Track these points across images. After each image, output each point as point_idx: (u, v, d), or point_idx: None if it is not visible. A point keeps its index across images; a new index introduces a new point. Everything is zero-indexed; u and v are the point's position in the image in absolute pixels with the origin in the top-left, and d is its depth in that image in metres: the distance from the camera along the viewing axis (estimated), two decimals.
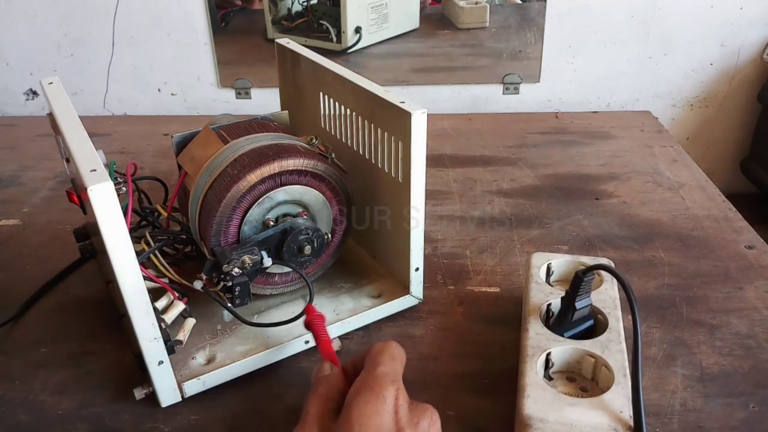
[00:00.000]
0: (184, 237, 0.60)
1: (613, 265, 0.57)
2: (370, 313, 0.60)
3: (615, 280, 0.58)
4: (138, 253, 0.45)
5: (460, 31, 1.16)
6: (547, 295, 0.56)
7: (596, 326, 0.55)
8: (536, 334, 0.52)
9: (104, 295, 0.65)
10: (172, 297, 0.54)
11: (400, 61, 1.19)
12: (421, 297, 0.63)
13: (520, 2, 1.14)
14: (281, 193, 0.55)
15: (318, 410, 0.42)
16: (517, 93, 1.22)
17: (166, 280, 0.55)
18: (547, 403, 0.45)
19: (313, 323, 0.53)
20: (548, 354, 0.50)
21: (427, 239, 0.74)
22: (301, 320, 0.55)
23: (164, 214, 0.61)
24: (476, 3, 1.14)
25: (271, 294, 0.60)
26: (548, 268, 0.61)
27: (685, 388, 0.54)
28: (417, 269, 0.61)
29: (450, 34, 1.17)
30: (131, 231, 0.44)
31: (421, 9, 1.15)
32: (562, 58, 1.19)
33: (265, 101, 1.21)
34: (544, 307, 0.55)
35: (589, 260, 0.59)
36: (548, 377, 0.51)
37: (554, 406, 0.45)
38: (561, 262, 0.61)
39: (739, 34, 1.17)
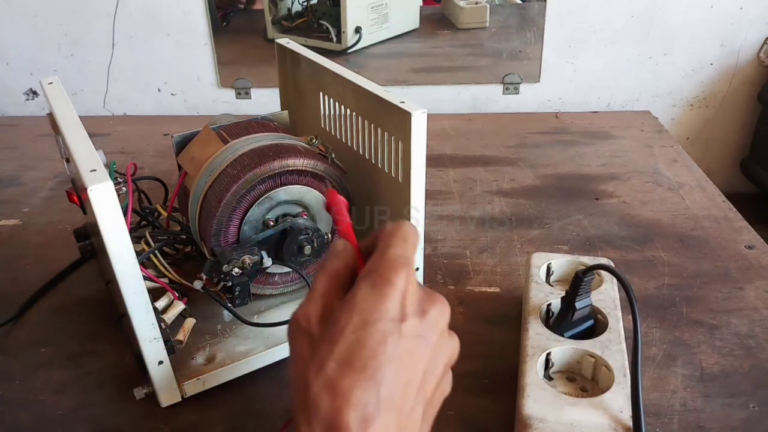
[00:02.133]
0: (184, 237, 0.60)
1: (613, 265, 0.57)
2: None
3: (615, 280, 0.58)
4: (138, 253, 0.45)
5: (460, 31, 1.16)
6: (547, 295, 0.56)
7: (596, 326, 0.55)
8: (536, 334, 0.52)
9: (104, 295, 0.65)
10: (172, 297, 0.54)
11: (400, 61, 1.19)
12: None
13: (520, 2, 1.14)
14: (281, 193, 0.55)
15: (324, 286, 0.39)
16: (517, 93, 1.22)
17: (166, 280, 0.55)
18: (547, 403, 0.45)
19: (334, 207, 0.48)
20: (548, 354, 0.50)
21: (427, 239, 0.74)
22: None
23: (164, 214, 0.61)
24: (476, 3, 1.14)
25: (271, 294, 0.60)
26: (548, 268, 0.61)
27: (685, 388, 0.54)
28: (417, 269, 0.61)
29: (450, 34, 1.16)
30: (131, 231, 0.44)
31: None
32: (562, 58, 1.19)
33: (265, 101, 1.21)
34: (544, 307, 0.55)
35: (589, 260, 0.59)
36: (548, 377, 0.51)
37: (554, 406, 0.45)
38: (561, 262, 0.61)
39: (739, 34, 1.17)
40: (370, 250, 0.41)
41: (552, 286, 0.58)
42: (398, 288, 0.36)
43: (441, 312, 0.38)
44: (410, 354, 0.35)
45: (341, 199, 0.48)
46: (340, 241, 0.44)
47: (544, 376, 0.50)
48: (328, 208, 0.48)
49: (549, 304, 0.55)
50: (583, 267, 0.54)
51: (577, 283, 0.52)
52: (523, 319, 0.55)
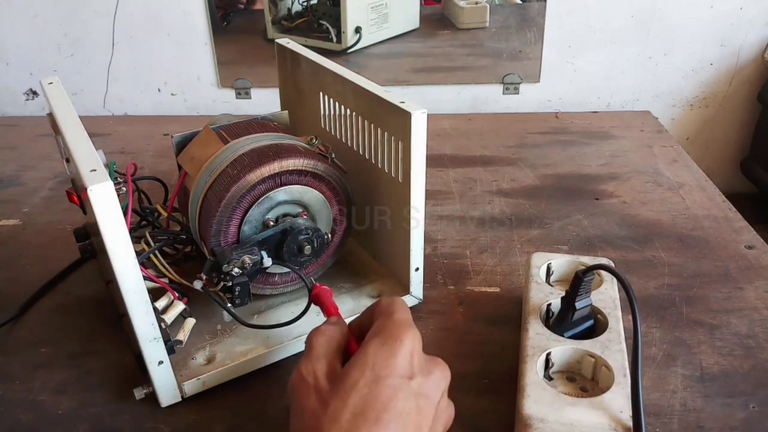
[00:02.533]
0: (184, 237, 0.60)
1: (613, 265, 0.57)
2: None
3: (615, 280, 0.58)
4: (138, 253, 0.45)
5: (460, 31, 1.16)
6: (547, 295, 0.56)
7: (596, 326, 0.55)
8: (536, 334, 0.52)
9: (104, 295, 0.65)
10: (172, 297, 0.54)
11: (400, 61, 1.19)
12: (421, 297, 0.63)
13: (520, 2, 1.14)
14: (281, 193, 0.55)
15: (324, 347, 0.41)
16: (517, 93, 1.22)
17: (166, 280, 0.55)
18: (547, 403, 0.45)
19: (320, 296, 0.53)
20: (548, 354, 0.50)
21: (427, 239, 0.74)
22: (300, 321, 0.55)
23: (164, 214, 0.61)
24: (476, 3, 1.14)
25: (271, 294, 0.60)
26: (548, 268, 0.61)
27: (685, 388, 0.54)
28: (417, 269, 0.61)
29: (450, 34, 1.16)
30: (131, 231, 0.44)
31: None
32: (562, 58, 1.19)
33: (265, 101, 1.21)
34: (544, 307, 0.55)
35: (589, 260, 0.59)
36: (548, 377, 0.51)
37: (554, 406, 0.45)
38: (561, 262, 0.61)
39: (739, 34, 1.17)
40: (362, 326, 0.44)
41: (552, 286, 0.58)
42: (407, 347, 0.39)
43: (443, 375, 0.41)
44: (417, 411, 0.37)
45: (324, 288, 0.53)
46: (332, 317, 0.48)
47: (544, 376, 0.50)
48: (314, 300, 0.53)
49: (549, 304, 0.55)
50: (583, 267, 0.54)
51: (577, 283, 0.52)
52: (523, 319, 0.55)
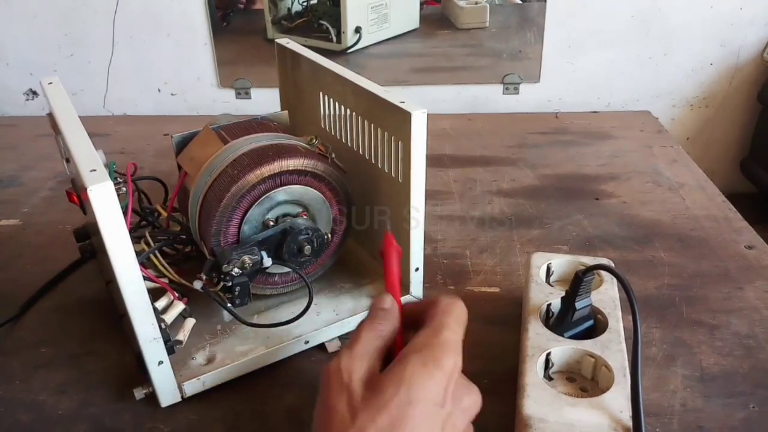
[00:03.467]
0: (184, 237, 0.60)
1: (613, 265, 0.57)
2: None
3: (615, 280, 0.58)
4: (138, 253, 0.45)
5: (460, 31, 1.16)
6: (547, 295, 0.56)
7: (596, 326, 0.55)
8: (536, 334, 0.52)
9: (104, 295, 0.65)
10: (172, 297, 0.54)
11: (400, 61, 1.19)
12: (421, 297, 0.63)
13: (520, 2, 1.14)
14: (281, 193, 0.55)
15: (370, 344, 0.41)
16: (517, 93, 1.22)
17: (166, 280, 0.55)
18: (547, 403, 0.45)
19: (387, 254, 0.48)
20: (548, 354, 0.50)
21: (427, 239, 0.74)
22: (300, 321, 0.55)
23: (164, 214, 0.61)
24: (476, 3, 1.14)
25: (271, 294, 0.60)
26: (548, 268, 0.61)
27: (685, 388, 0.54)
28: (417, 269, 0.61)
29: (450, 34, 1.16)
30: (131, 231, 0.44)
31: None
32: (562, 58, 1.19)
33: (265, 101, 1.21)
34: (544, 307, 0.55)
35: (589, 260, 0.59)
36: (548, 377, 0.51)
37: (554, 406, 0.45)
38: (561, 262, 0.61)
39: (739, 34, 1.17)
40: (415, 318, 0.42)
41: (552, 286, 0.58)
42: (446, 373, 0.38)
43: (474, 404, 0.40)
44: None
45: (396, 247, 0.48)
46: (387, 298, 0.45)
47: (544, 377, 0.50)
48: (382, 252, 0.48)
49: (549, 304, 0.55)
50: (583, 267, 0.54)
51: (577, 283, 0.52)
52: (523, 319, 0.55)
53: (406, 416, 0.36)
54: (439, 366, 0.38)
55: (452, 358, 0.39)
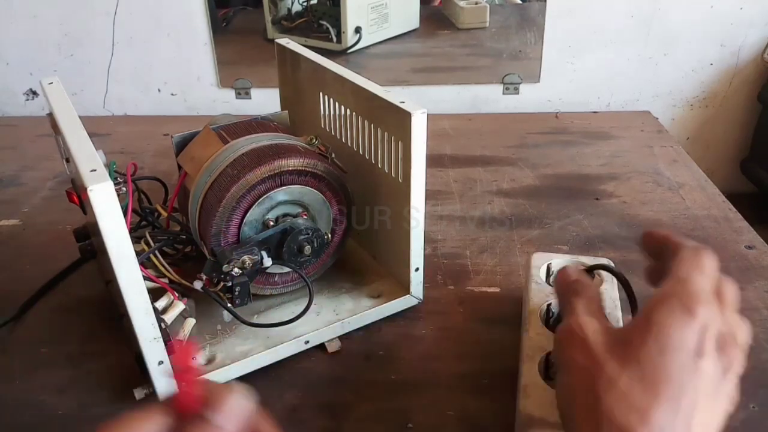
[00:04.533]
0: (184, 237, 0.60)
1: (613, 264, 0.57)
2: (370, 313, 0.60)
3: (615, 280, 0.58)
4: (138, 253, 0.45)
5: (460, 31, 1.16)
6: (547, 296, 0.56)
7: None
8: (536, 334, 0.52)
9: (104, 295, 0.65)
10: (172, 297, 0.54)
11: (400, 61, 1.19)
12: (421, 297, 0.63)
13: (520, 2, 1.14)
14: (281, 193, 0.55)
15: (587, 306, 0.39)
16: (517, 93, 1.22)
17: (166, 280, 0.55)
18: (547, 404, 0.45)
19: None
20: (548, 354, 0.50)
21: (427, 239, 0.74)
22: (300, 321, 0.55)
23: (164, 214, 0.61)
24: (476, 3, 1.14)
25: (271, 294, 0.60)
26: (548, 269, 0.60)
27: None
28: (417, 269, 0.61)
29: (450, 34, 1.16)
30: (131, 231, 0.44)
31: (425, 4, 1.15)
32: (562, 58, 1.19)
33: (265, 101, 1.21)
34: (544, 307, 0.55)
35: (590, 260, 0.59)
36: (549, 377, 0.51)
37: (554, 407, 0.45)
38: (561, 262, 0.61)
39: (739, 34, 1.17)
40: (659, 268, 0.40)
41: (552, 286, 0.58)
42: (700, 321, 0.35)
43: (733, 362, 0.37)
44: (703, 392, 0.34)
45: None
46: (571, 268, 0.44)
47: (545, 377, 0.50)
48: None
49: (549, 305, 0.55)
50: (583, 267, 0.54)
51: None
52: (523, 320, 0.55)
53: (660, 364, 0.34)
54: (691, 314, 0.35)
55: (706, 306, 0.36)
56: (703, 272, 0.38)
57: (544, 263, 0.60)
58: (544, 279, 0.59)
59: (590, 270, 0.52)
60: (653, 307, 0.36)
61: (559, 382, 0.38)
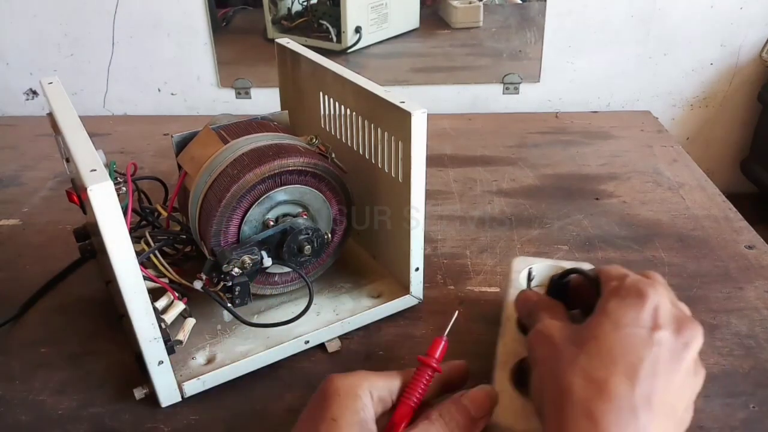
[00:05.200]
0: (184, 237, 0.60)
1: (591, 267, 0.52)
2: (370, 313, 0.60)
3: None
4: (138, 253, 0.45)
5: (460, 30, 1.16)
6: None
7: None
8: (512, 340, 0.51)
9: (104, 295, 0.65)
10: (172, 297, 0.54)
11: (400, 61, 1.19)
12: (421, 297, 0.63)
13: (520, 2, 1.14)
14: (281, 193, 0.55)
15: (552, 314, 0.42)
16: (517, 93, 1.22)
17: (166, 280, 0.55)
18: (515, 413, 0.44)
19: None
20: (521, 361, 0.49)
21: (427, 239, 0.74)
22: (300, 320, 0.55)
23: (164, 214, 0.61)
24: (470, 2, 1.14)
25: (271, 294, 0.60)
26: (529, 273, 0.59)
27: None
28: (417, 269, 0.61)
29: (450, 34, 1.16)
30: (131, 231, 0.44)
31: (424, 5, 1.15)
32: (562, 58, 1.19)
33: (265, 101, 1.21)
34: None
35: (570, 264, 0.58)
36: (523, 385, 0.49)
37: (522, 416, 0.44)
38: (542, 267, 0.60)
39: (739, 34, 1.17)
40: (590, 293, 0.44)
41: (533, 289, 0.57)
42: (651, 301, 0.38)
43: (694, 336, 0.38)
44: (660, 361, 0.36)
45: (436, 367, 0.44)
46: (529, 292, 0.49)
47: (521, 384, 0.48)
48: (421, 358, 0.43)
49: None
50: (561, 270, 0.51)
51: (553, 287, 0.51)
52: (501, 326, 0.54)
53: (615, 338, 0.36)
54: (641, 296, 0.38)
55: (650, 287, 0.39)
56: (629, 272, 0.42)
57: (525, 267, 0.59)
58: (525, 284, 0.58)
59: (567, 274, 0.51)
60: (605, 301, 0.39)
61: (532, 380, 0.40)
